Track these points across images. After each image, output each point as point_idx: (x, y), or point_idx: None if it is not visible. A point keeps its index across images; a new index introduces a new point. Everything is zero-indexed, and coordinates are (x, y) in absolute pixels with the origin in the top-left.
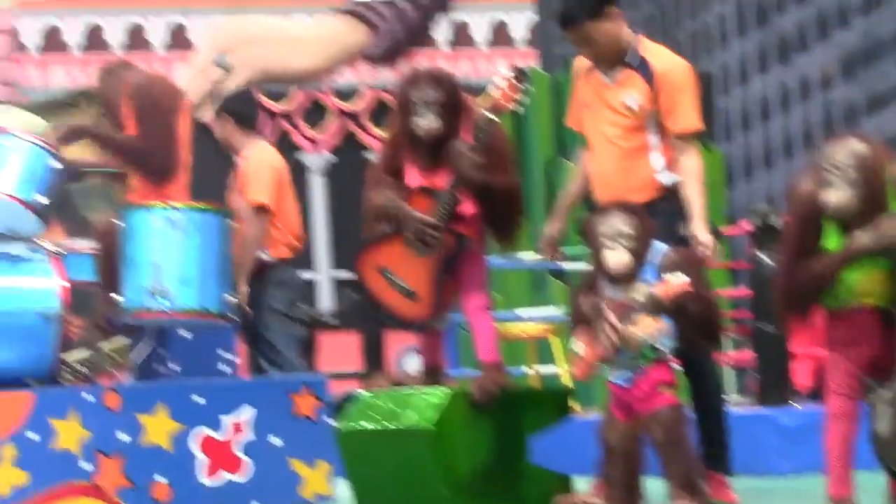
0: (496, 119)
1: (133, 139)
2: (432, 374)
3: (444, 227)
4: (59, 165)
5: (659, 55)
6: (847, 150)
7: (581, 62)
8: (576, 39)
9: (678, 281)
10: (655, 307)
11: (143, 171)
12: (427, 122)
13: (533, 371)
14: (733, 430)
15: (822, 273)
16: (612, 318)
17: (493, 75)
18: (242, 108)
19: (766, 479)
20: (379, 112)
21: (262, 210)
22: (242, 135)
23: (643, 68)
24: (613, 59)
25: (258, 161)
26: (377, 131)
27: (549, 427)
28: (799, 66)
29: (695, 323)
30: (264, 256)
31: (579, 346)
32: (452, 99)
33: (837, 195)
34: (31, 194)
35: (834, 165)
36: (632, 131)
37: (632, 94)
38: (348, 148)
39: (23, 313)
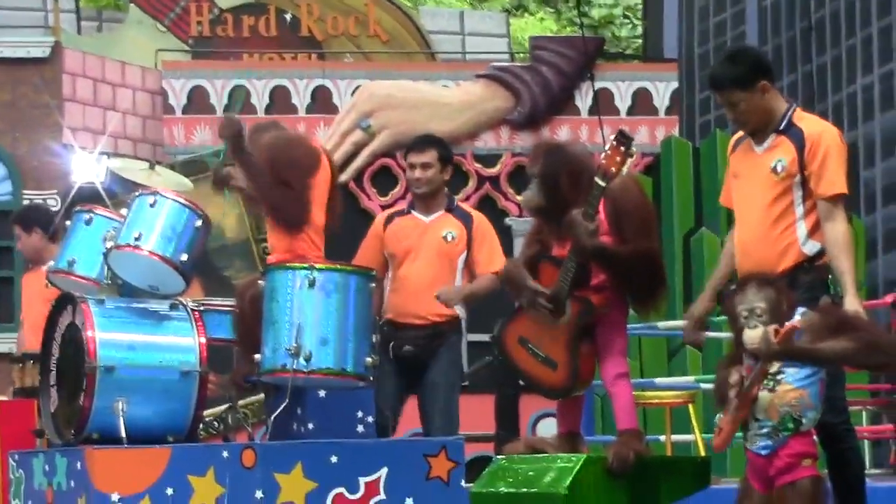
0: (602, 184)
1: (270, 183)
2: (569, 440)
3: (569, 295)
4: (201, 224)
5: (809, 120)
6: None
7: (734, 135)
8: (723, 102)
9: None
10: (769, 352)
11: (275, 217)
12: (527, 196)
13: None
14: (872, 503)
15: None
16: (747, 385)
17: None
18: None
19: None
20: (518, 177)
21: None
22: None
23: (792, 133)
24: (763, 128)
25: (489, 226)
26: (516, 196)
27: (686, 496)
28: None
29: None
30: (459, 311)
31: (719, 417)
32: (550, 170)
33: None
34: (175, 253)
35: None
36: (777, 198)
37: (779, 158)
38: (486, 212)
39: (163, 370)
